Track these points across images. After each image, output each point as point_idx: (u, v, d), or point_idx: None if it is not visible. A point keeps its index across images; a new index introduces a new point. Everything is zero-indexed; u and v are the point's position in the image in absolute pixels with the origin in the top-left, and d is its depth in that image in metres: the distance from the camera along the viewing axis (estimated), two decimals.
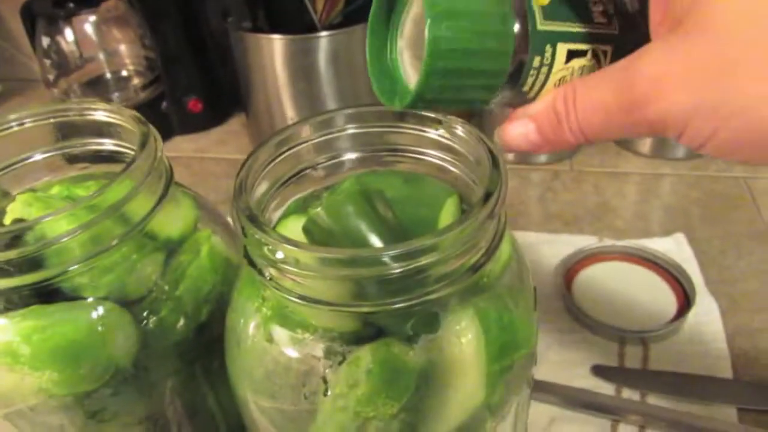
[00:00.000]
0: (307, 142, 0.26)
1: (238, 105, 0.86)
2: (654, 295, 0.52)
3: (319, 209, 0.23)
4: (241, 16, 0.63)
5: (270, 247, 0.21)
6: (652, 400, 0.44)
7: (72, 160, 0.31)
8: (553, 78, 0.24)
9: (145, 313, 0.27)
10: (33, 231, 0.25)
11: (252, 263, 0.23)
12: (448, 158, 0.26)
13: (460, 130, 0.25)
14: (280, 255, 0.21)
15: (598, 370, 0.46)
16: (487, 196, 0.22)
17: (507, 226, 0.24)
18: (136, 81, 0.84)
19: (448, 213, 0.26)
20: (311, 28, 0.65)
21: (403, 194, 0.26)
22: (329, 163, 0.27)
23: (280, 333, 0.23)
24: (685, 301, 0.50)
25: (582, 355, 0.48)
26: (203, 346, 0.29)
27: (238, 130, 0.83)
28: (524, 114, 0.25)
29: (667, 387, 0.45)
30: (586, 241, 0.57)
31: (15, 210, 0.29)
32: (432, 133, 0.26)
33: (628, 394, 0.45)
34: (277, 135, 0.25)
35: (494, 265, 0.24)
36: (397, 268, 0.20)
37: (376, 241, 0.23)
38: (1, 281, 0.24)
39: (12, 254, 0.23)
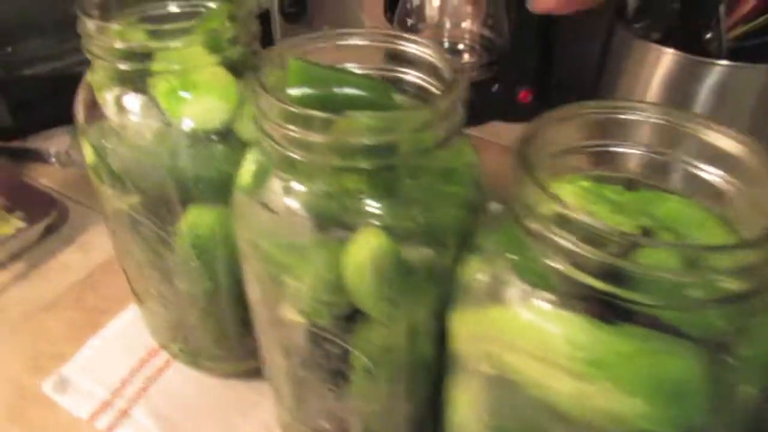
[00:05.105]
0: None
1: (563, 101, 0.82)
2: None
3: None
4: (656, 21, 0.58)
5: None
6: None
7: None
8: None
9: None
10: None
11: None
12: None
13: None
14: None
15: None
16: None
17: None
18: (466, 57, 0.83)
19: None
20: (705, 46, 0.58)
21: None
22: None
23: None
24: None
25: None
26: None
27: None
28: None
29: None
30: None
31: (568, 196, 0.27)
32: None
33: None
34: None
35: None
36: None
37: None
38: (594, 281, 0.22)
39: (624, 264, 0.20)
